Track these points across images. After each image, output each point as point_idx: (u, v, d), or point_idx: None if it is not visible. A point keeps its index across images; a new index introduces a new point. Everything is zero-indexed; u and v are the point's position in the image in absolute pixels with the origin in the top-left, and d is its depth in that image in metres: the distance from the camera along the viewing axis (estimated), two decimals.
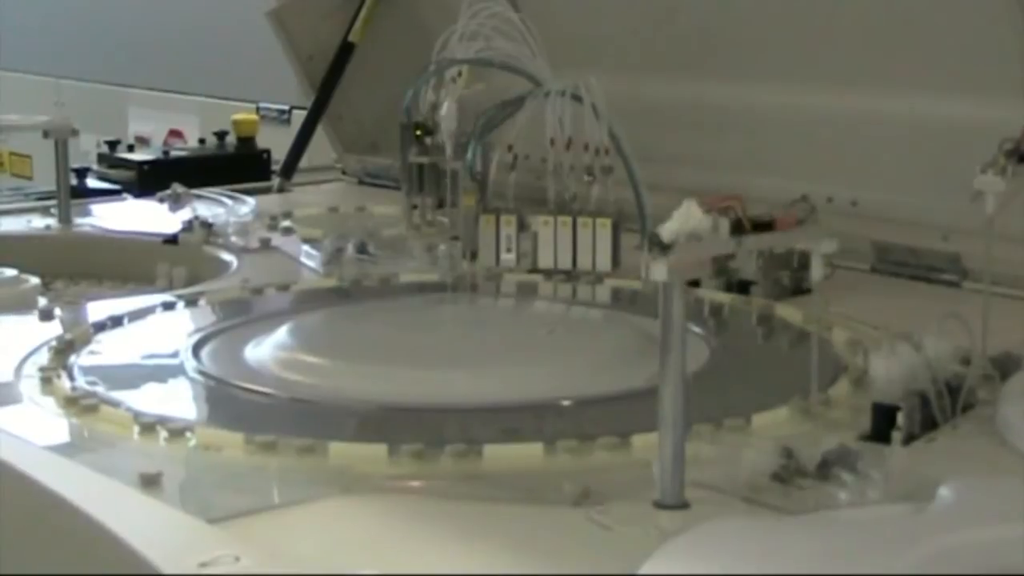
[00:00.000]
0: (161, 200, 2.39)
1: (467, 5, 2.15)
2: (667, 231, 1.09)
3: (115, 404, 1.39)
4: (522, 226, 1.96)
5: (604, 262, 1.93)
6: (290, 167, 2.84)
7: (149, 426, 1.31)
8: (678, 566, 0.97)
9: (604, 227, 1.92)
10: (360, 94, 2.82)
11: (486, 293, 1.94)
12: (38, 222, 2.43)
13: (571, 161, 1.97)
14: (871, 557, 0.97)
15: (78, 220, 2.42)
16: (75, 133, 2.41)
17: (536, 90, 2.01)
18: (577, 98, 1.97)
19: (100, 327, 1.69)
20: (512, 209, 1.97)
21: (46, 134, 2.40)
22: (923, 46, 1.99)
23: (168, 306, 1.81)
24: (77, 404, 1.39)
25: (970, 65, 1.93)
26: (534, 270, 1.96)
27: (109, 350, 1.63)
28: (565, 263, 1.94)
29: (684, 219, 1.09)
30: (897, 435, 1.25)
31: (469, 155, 2.03)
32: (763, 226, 1.19)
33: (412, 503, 1.19)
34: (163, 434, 1.30)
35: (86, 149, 3.68)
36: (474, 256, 2.00)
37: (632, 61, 2.33)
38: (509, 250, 1.96)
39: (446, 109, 2.12)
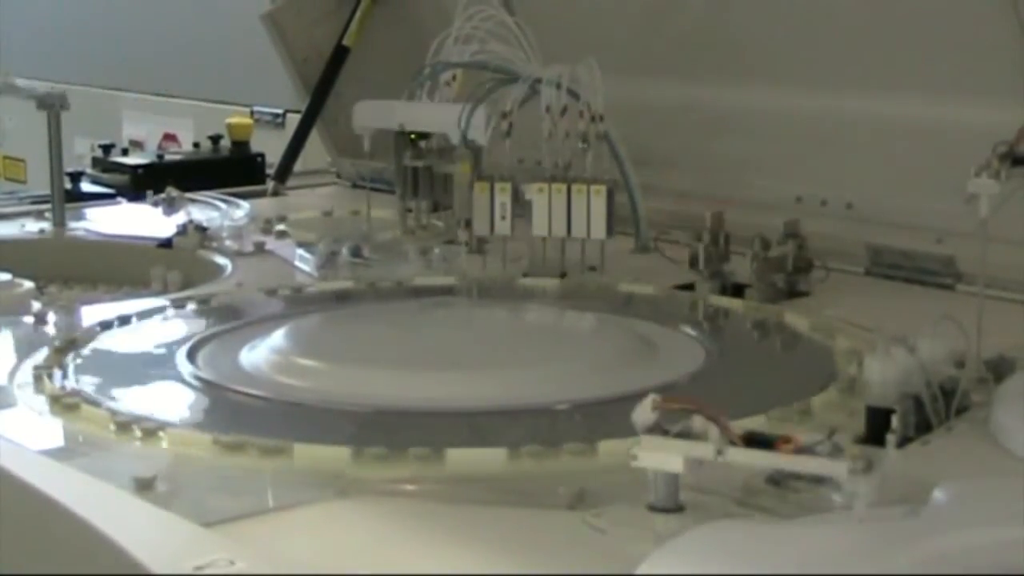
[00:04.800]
0: (155, 204, 2.39)
1: (462, 8, 2.15)
2: None
3: (96, 403, 1.40)
4: (517, 194, 1.95)
5: (598, 230, 1.91)
6: (284, 171, 2.84)
7: (125, 425, 1.33)
8: (674, 569, 0.97)
9: (599, 194, 1.91)
10: (355, 97, 2.81)
11: (484, 296, 1.94)
12: (32, 226, 2.43)
13: (566, 128, 1.96)
14: (866, 560, 0.98)
15: (72, 224, 2.41)
16: (65, 106, 2.40)
17: (528, 75, 2.00)
18: (573, 94, 1.97)
19: (98, 329, 1.70)
20: (507, 177, 1.97)
21: (39, 104, 2.40)
22: (918, 49, 1.99)
23: (165, 309, 1.82)
24: (59, 402, 1.41)
25: (965, 68, 1.93)
26: (528, 275, 1.96)
27: (107, 351, 1.64)
28: (560, 231, 1.93)
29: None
30: (892, 438, 1.25)
31: (463, 123, 2.02)
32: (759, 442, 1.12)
33: (407, 506, 1.19)
34: (137, 433, 1.32)
35: (80, 153, 3.69)
36: (468, 224, 1.99)
37: (627, 64, 2.32)
38: (503, 217, 1.95)
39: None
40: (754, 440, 1.09)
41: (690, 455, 1.10)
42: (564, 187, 1.92)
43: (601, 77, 1.96)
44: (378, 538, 1.13)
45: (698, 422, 1.10)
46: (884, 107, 2.05)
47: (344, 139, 2.85)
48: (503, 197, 1.95)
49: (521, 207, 1.95)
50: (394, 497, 1.19)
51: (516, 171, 2.00)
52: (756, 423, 1.32)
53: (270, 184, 2.83)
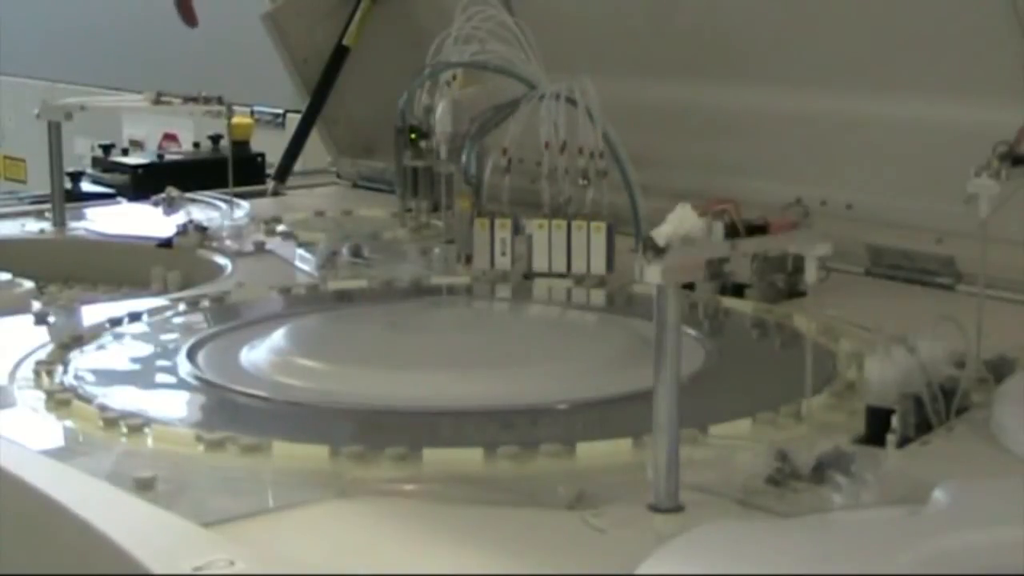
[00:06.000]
0: (155, 204, 2.39)
1: (462, 8, 2.15)
2: (662, 235, 1.09)
3: (87, 400, 1.41)
4: (517, 229, 1.96)
5: (598, 265, 1.93)
6: (285, 171, 2.84)
7: (112, 421, 1.35)
8: (674, 569, 0.97)
9: (598, 231, 1.93)
10: (355, 97, 2.82)
11: (481, 296, 1.94)
12: (32, 226, 2.43)
13: (566, 164, 1.97)
14: (866, 559, 0.98)
15: (72, 224, 2.41)
16: (69, 116, 2.40)
17: (530, 93, 2.01)
18: (572, 101, 1.97)
19: (99, 329, 1.70)
20: (507, 212, 1.97)
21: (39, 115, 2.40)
22: (918, 50, 1.99)
23: (164, 309, 1.82)
24: (52, 399, 1.42)
25: (964, 69, 1.93)
26: (528, 275, 1.96)
27: (106, 351, 1.64)
28: (560, 266, 1.94)
29: (679, 222, 1.09)
30: (892, 438, 1.25)
31: (464, 158, 2.03)
32: (757, 229, 1.19)
33: (407, 506, 1.18)
34: (123, 429, 1.33)
35: (80, 153, 3.69)
36: (468, 260, 2.00)
37: (627, 64, 2.33)
38: (504, 253, 1.96)
39: (440, 111, 2.11)
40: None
41: None
42: (564, 223, 1.93)
43: (601, 89, 1.96)
44: (378, 538, 1.13)
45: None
46: (884, 107, 2.05)
47: (344, 139, 2.86)
48: (503, 233, 1.96)
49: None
50: (394, 497, 1.19)
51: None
52: (753, 424, 1.33)
53: (270, 184, 2.83)
